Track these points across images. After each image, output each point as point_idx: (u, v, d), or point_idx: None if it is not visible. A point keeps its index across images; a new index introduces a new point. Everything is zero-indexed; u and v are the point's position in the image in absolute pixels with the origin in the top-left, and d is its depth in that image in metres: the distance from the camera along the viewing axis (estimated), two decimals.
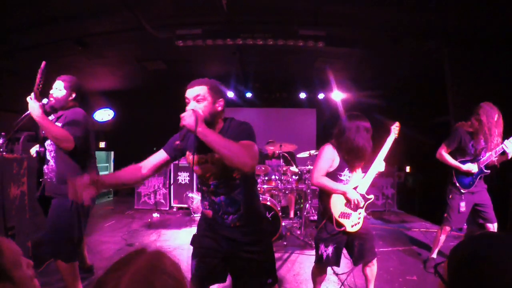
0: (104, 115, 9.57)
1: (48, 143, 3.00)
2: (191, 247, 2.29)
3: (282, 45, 5.62)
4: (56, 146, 2.90)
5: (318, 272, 3.06)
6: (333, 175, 2.86)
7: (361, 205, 2.86)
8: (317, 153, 6.15)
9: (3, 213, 3.20)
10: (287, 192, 5.78)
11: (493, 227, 3.74)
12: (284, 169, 5.84)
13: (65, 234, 2.88)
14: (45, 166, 3.01)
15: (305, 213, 5.70)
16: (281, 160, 5.98)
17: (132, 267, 0.83)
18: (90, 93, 8.74)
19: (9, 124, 3.06)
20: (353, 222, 2.84)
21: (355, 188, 2.87)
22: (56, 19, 4.92)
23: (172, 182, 7.62)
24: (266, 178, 5.82)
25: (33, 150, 3.23)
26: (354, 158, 2.81)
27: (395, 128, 3.17)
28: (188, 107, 2.06)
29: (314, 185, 2.93)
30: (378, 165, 3.01)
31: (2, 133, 3.27)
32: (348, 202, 2.84)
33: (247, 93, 9.06)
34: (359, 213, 2.88)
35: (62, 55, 6.10)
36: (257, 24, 5.55)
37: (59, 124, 2.89)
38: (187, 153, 2.25)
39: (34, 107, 2.66)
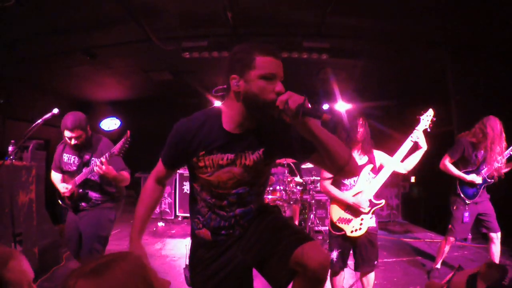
0: (110, 124, 9.66)
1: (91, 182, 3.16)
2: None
3: (287, 57, 5.69)
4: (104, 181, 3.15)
5: (332, 273, 3.03)
6: (337, 180, 2.88)
7: (365, 211, 2.82)
8: None
9: (11, 220, 3.27)
10: (291, 202, 5.79)
11: (496, 236, 3.73)
12: (289, 179, 5.86)
13: (106, 240, 3.21)
14: (84, 204, 3.16)
15: (309, 224, 5.71)
16: (286, 169, 6.00)
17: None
18: (97, 102, 8.88)
19: (19, 132, 3.13)
20: (354, 228, 2.83)
21: (357, 194, 2.84)
22: (65, 30, 5.03)
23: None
24: (271, 188, 5.84)
25: (63, 187, 3.20)
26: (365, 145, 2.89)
27: (426, 117, 2.91)
28: (280, 87, 1.48)
29: (322, 192, 3.03)
30: (393, 166, 2.86)
31: (12, 141, 3.34)
32: (349, 208, 2.85)
33: None
34: (362, 219, 2.84)
35: (70, 65, 6.20)
36: (262, 36, 5.62)
37: (95, 159, 3.03)
38: (204, 154, 1.68)
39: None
